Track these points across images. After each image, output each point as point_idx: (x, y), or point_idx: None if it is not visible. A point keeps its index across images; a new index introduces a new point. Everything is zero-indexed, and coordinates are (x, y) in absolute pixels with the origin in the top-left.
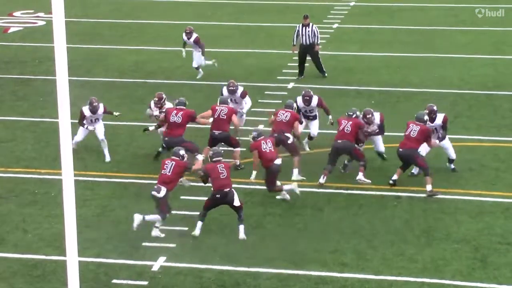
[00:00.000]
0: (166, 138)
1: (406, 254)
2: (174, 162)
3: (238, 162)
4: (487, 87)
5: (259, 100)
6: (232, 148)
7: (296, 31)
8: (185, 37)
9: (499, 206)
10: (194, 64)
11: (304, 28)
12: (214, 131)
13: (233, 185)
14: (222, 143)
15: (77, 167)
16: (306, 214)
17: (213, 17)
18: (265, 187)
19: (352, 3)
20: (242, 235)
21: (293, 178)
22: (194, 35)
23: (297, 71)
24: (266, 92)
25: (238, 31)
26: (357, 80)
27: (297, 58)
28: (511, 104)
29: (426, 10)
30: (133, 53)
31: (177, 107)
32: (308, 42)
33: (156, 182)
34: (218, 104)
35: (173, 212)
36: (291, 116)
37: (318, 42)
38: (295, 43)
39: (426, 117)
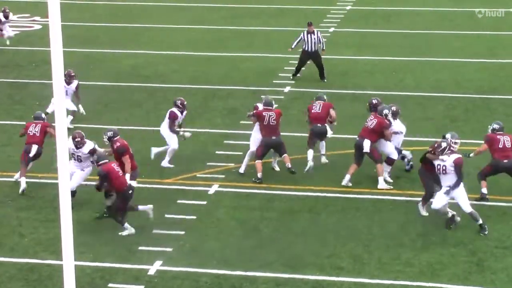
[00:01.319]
0: None
1: (403, 258)
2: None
3: (289, 165)
4: (482, 91)
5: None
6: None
7: (300, 37)
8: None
9: (495, 210)
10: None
11: (309, 35)
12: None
13: (230, 189)
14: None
15: None
16: (303, 218)
17: (209, 21)
18: (261, 191)
19: (348, 7)
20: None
21: (380, 187)
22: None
23: (293, 74)
24: (262, 96)
25: (234, 35)
26: (353, 84)
27: (293, 62)
28: (506, 107)
29: (422, 14)
30: (130, 57)
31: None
32: (313, 49)
33: (152, 186)
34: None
35: (169, 216)
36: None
37: (324, 48)
38: (293, 47)
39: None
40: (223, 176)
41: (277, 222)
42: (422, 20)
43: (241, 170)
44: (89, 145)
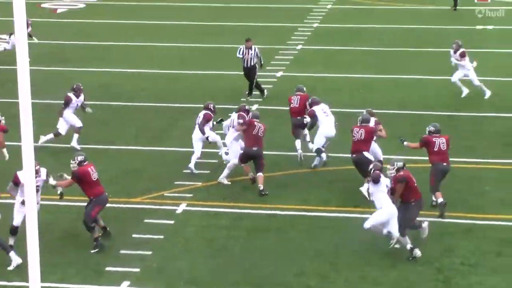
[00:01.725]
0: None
1: (370, 277)
2: None
3: (262, 187)
4: (448, 108)
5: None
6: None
7: (239, 51)
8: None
9: (460, 227)
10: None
11: (247, 50)
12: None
13: (198, 208)
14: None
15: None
16: (271, 237)
17: (177, 39)
18: (229, 210)
19: (315, 24)
20: None
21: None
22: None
23: (258, 92)
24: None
25: (203, 52)
26: None
27: (260, 79)
28: (472, 125)
29: (388, 32)
30: (97, 75)
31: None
32: (250, 64)
33: (118, 206)
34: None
35: (137, 235)
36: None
37: (262, 63)
38: (239, 57)
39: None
40: (191, 195)
41: (245, 241)
42: (389, 37)
43: (226, 181)
44: (44, 171)
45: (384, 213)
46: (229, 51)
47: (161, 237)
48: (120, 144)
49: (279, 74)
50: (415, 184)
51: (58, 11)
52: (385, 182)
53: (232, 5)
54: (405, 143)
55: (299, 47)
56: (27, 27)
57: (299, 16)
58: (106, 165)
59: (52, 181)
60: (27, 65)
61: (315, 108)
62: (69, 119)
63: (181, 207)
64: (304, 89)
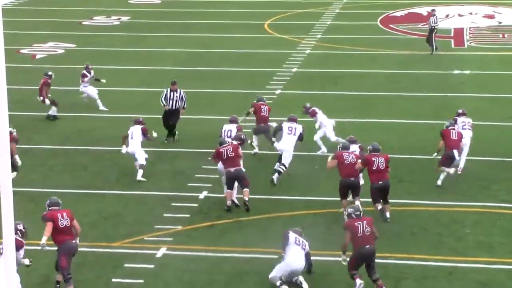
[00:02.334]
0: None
1: None
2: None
3: (247, 198)
4: (427, 152)
5: (203, 166)
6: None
7: (164, 95)
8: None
9: (442, 270)
10: None
11: (172, 93)
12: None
13: (178, 252)
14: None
15: None
16: (251, 281)
17: (156, 83)
18: (210, 254)
19: (294, 69)
20: None
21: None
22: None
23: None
24: (209, 158)
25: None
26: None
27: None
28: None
29: (367, 77)
30: (75, 120)
31: None
32: (175, 107)
33: (98, 250)
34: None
35: (116, 280)
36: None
37: (185, 107)
38: (165, 104)
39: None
40: (171, 239)
41: (226, 285)
42: (368, 82)
43: (229, 203)
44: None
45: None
46: (207, 96)
47: (141, 281)
48: (99, 188)
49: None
50: (359, 235)
51: (37, 56)
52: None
53: (210, 50)
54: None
55: (278, 91)
56: (89, 73)
57: (278, 60)
58: (85, 210)
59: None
60: (6, 110)
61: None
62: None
63: (161, 251)
64: (264, 98)
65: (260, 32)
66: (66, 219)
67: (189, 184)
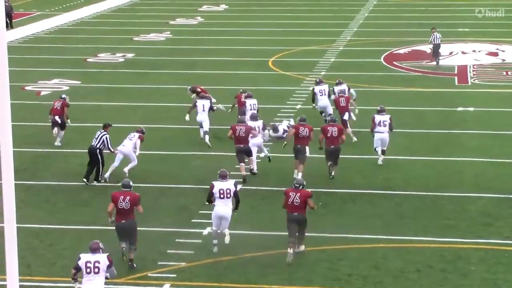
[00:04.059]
0: None
1: None
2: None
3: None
4: (429, 189)
5: (206, 203)
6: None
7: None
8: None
9: None
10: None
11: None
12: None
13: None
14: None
15: (22, 272)
16: None
17: (160, 120)
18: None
19: (298, 106)
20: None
21: None
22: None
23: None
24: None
25: (185, 133)
26: None
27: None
28: (454, 205)
29: (370, 113)
30: (78, 156)
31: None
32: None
33: None
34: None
35: None
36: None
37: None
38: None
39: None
40: (175, 275)
41: None
42: (368, 118)
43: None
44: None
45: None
46: (212, 132)
47: None
48: (103, 224)
49: (238, 187)
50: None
51: (42, 93)
52: None
53: (214, 87)
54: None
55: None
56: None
57: (282, 97)
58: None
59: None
60: (11, 147)
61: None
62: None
63: None
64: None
65: (264, 69)
66: (127, 203)
67: (192, 220)
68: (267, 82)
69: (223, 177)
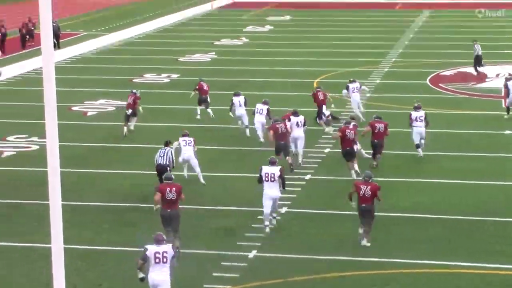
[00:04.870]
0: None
1: None
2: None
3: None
4: (477, 213)
5: (252, 225)
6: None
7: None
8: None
9: None
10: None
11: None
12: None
13: None
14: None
15: None
16: None
17: (201, 142)
18: None
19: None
20: None
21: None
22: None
23: None
24: (259, 217)
25: (227, 155)
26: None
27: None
28: (502, 230)
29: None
30: (126, 177)
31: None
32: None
33: None
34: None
35: None
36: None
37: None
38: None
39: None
40: None
41: None
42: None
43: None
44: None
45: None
46: (255, 153)
47: None
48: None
49: (283, 210)
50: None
51: (88, 113)
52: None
53: None
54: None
55: (327, 150)
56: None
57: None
58: (133, 271)
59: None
60: (58, 167)
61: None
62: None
63: None
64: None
65: (309, 91)
66: (173, 193)
67: (238, 243)
68: (312, 104)
69: (272, 163)
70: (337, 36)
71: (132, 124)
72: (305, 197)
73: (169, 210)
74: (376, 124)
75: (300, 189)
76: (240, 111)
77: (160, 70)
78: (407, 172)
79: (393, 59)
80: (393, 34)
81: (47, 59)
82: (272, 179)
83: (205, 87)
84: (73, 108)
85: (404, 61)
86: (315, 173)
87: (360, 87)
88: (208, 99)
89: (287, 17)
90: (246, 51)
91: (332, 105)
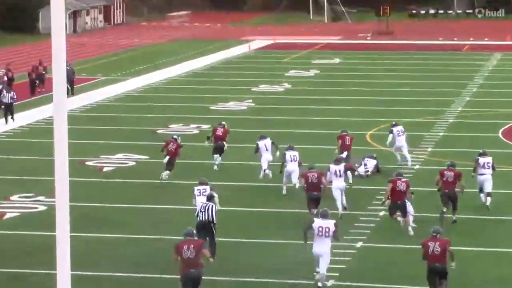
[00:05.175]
0: None
1: None
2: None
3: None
4: None
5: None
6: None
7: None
8: None
9: None
10: None
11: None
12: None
13: None
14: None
15: None
16: None
17: (235, 203)
18: None
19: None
20: None
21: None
22: None
23: None
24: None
25: (264, 218)
26: None
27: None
28: None
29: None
30: (147, 243)
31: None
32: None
33: None
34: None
35: None
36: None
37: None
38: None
39: None
40: None
41: None
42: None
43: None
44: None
45: None
46: (295, 215)
47: None
48: None
49: (329, 283)
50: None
51: (104, 169)
52: None
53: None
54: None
55: (381, 213)
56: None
57: (385, 175)
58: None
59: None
60: (67, 230)
61: None
62: None
63: None
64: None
65: (361, 144)
66: (191, 251)
67: None
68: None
69: (324, 215)
70: (394, 82)
71: (167, 174)
72: (356, 268)
73: (190, 271)
74: (445, 172)
75: (350, 258)
76: (267, 156)
77: (188, 120)
78: (482, 241)
79: (459, 109)
80: (459, 79)
81: (58, 107)
82: (327, 234)
83: (218, 132)
84: (87, 163)
85: (472, 110)
86: (368, 240)
87: (404, 131)
88: (225, 146)
89: (336, 60)
90: (288, 99)
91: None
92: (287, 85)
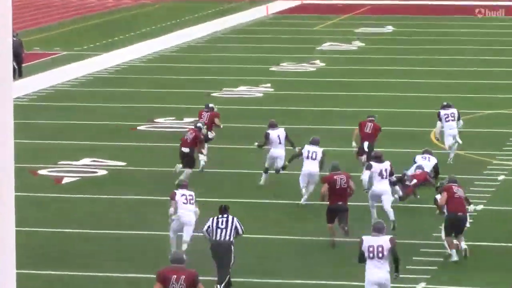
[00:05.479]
0: None
1: None
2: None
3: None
4: None
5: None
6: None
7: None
8: None
9: None
10: None
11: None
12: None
13: None
14: None
15: None
16: None
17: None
18: None
19: (479, 207)
20: None
21: None
22: None
23: None
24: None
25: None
26: None
27: None
28: None
29: None
30: (118, 283)
31: None
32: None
33: None
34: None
35: None
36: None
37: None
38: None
39: None
40: None
41: None
42: None
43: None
44: None
45: None
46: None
47: None
48: None
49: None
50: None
51: (64, 181)
52: None
53: None
54: None
55: (480, 207)
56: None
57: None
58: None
59: None
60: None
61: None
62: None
63: None
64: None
65: (423, 144)
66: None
67: None
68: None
69: (378, 230)
70: (467, 60)
71: (181, 169)
72: None
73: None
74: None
75: None
76: (279, 151)
77: (181, 113)
78: None
79: None
80: None
81: (1, 93)
82: (380, 255)
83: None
84: (41, 172)
85: None
86: (432, 280)
87: (459, 116)
88: (209, 135)
89: (389, 28)
90: (320, 83)
91: None
92: (319, 63)
